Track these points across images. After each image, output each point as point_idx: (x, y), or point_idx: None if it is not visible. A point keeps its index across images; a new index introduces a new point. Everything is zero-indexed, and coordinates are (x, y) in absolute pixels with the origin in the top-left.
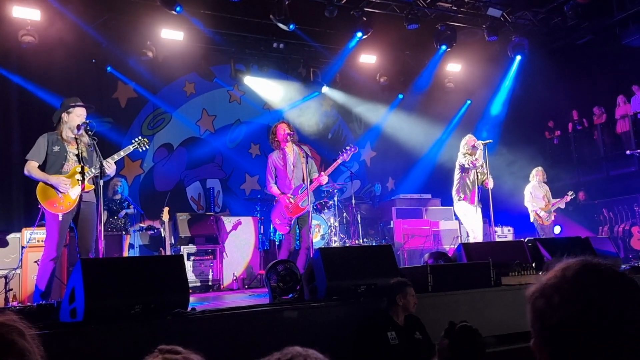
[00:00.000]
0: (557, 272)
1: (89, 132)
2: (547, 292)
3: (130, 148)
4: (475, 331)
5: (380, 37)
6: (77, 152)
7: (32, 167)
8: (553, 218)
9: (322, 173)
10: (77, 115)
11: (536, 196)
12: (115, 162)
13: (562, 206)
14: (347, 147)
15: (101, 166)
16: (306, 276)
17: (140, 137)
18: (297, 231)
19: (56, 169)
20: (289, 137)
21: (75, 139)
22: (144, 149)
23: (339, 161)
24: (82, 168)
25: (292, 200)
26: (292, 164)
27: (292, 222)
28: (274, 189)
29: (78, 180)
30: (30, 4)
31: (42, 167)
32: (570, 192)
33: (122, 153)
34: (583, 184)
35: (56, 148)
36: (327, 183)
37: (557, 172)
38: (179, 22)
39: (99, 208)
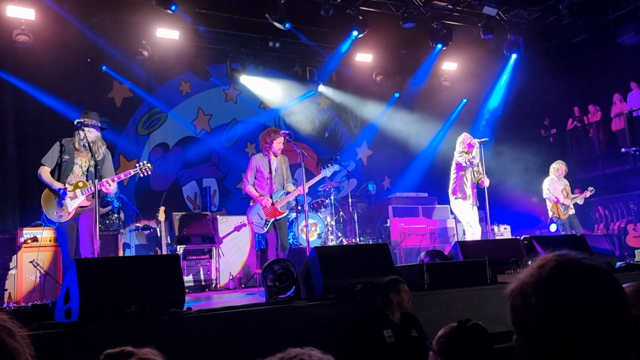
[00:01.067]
0: (533, 270)
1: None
2: (524, 292)
3: (132, 172)
4: (485, 329)
5: (376, 35)
6: (85, 165)
7: (43, 172)
8: (572, 212)
9: (304, 184)
10: (89, 132)
11: (555, 189)
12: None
13: (581, 202)
14: (329, 165)
15: (94, 176)
16: (302, 275)
17: (143, 162)
18: (278, 230)
19: (62, 180)
20: (279, 151)
21: (91, 149)
22: (145, 174)
23: (320, 176)
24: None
25: (271, 203)
26: (274, 169)
27: (269, 223)
28: (252, 190)
29: (77, 194)
30: (25, 3)
31: (52, 174)
32: (590, 188)
33: (122, 176)
34: (579, 182)
35: (66, 157)
36: (323, 182)
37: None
38: (175, 21)
39: (95, 212)
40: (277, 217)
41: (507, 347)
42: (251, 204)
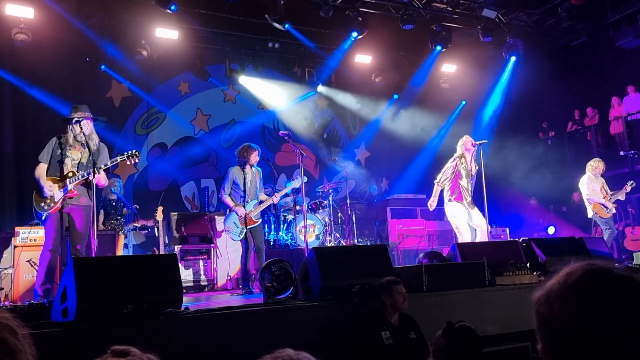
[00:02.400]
0: (560, 278)
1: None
2: (550, 299)
3: (118, 159)
4: (473, 331)
5: (376, 37)
6: (77, 159)
7: (39, 169)
8: (614, 211)
9: (276, 194)
10: (85, 126)
11: (594, 189)
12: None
13: (622, 198)
14: (295, 178)
15: (92, 169)
16: (301, 276)
17: (132, 151)
18: (251, 237)
19: (55, 174)
20: (255, 163)
21: (83, 144)
22: (132, 162)
23: (289, 187)
24: (63, 177)
25: (245, 213)
26: (249, 181)
27: (244, 231)
28: (228, 200)
29: (64, 183)
30: (24, 1)
31: (48, 170)
32: (630, 182)
33: (108, 163)
34: (577, 185)
35: (58, 152)
36: (322, 184)
37: (551, 172)
38: (174, 21)
39: (92, 210)
40: (251, 226)
41: (506, 350)
42: (227, 212)
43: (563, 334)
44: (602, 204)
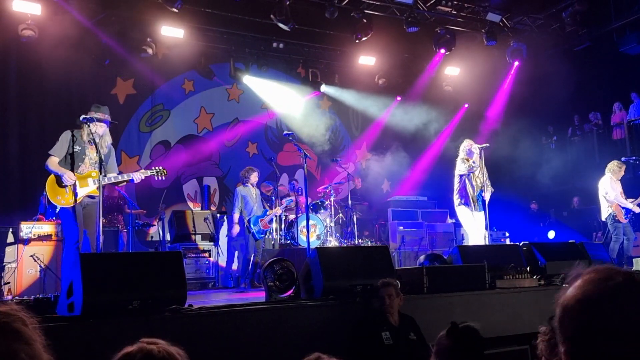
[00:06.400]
0: (597, 282)
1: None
2: (590, 305)
3: (147, 173)
4: (477, 331)
5: (380, 39)
6: (94, 158)
7: (51, 162)
8: (630, 215)
9: (279, 207)
10: (99, 126)
11: (615, 190)
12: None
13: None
14: (288, 198)
15: (100, 166)
16: (303, 275)
17: (160, 168)
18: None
19: (72, 168)
20: (255, 182)
21: (95, 144)
22: (160, 178)
23: (279, 210)
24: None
25: (264, 219)
26: (254, 196)
27: (265, 232)
28: (240, 215)
29: (88, 182)
30: None
31: (60, 163)
32: None
33: (142, 176)
34: (578, 190)
35: (77, 148)
36: (323, 184)
37: (552, 176)
38: (180, 19)
39: (99, 205)
40: (266, 229)
41: (505, 352)
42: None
43: (597, 337)
44: (626, 208)
